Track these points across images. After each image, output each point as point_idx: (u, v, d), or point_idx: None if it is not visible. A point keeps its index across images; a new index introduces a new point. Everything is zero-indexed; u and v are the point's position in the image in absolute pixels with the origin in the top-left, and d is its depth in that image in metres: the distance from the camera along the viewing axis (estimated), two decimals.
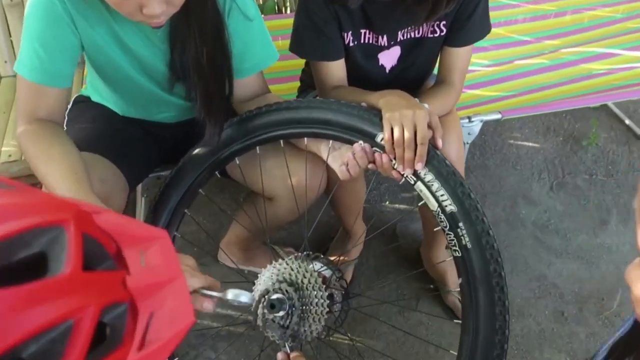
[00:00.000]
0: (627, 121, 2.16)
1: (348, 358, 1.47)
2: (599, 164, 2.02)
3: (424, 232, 1.58)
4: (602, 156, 2.06)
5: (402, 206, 1.87)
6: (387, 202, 1.88)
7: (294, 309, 1.03)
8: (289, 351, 0.97)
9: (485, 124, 1.60)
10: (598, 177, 1.97)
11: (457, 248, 1.04)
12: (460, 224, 1.03)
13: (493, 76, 1.81)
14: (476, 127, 1.49)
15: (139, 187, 1.75)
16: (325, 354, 1.45)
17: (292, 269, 1.08)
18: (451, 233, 1.05)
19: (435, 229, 1.07)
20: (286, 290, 1.03)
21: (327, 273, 1.20)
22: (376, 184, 1.90)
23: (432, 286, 1.61)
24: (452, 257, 1.06)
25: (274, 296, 1.00)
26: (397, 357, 1.46)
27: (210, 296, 0.86)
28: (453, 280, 1.55)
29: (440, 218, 1.06)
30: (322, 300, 1.05)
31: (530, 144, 2.11)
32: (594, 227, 1.81)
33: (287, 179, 1.23)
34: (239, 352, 1.48)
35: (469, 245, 1.02)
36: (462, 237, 1.03)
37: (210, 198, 1.77)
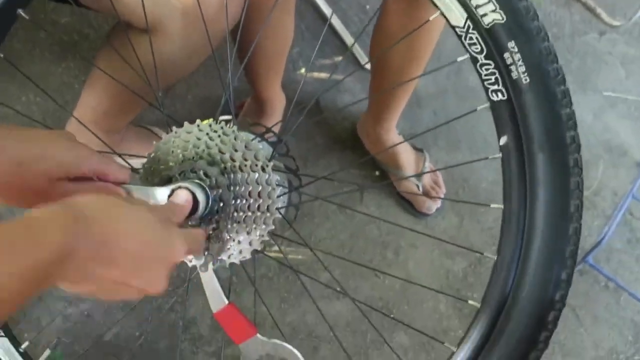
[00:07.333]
0: None
1: (277, 271, 1.04)
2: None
3: (370, 100, 1.15)
4: (545, 19, 1.75)
5: (322, 74, 1.41)
6: (302, 70, 1.40)
7: (221, 205, 0.59)
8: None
9: None
10: None
11: (499, 87, 0.62)
12: (511, 44, 0.60)
13: None
14: None
15: None
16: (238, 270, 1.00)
17: (210, 138, 0.62)
18: (490, 62, 0.62)
19: (459, 59, 0.63)
20: (205, 174, 0.58)
21: (265, 148, 0.74)
22: None
23: (377, 173, 1.20)
24: (478, 109, 0.63)
25: (186, 184, 0.55)
26: (344, 269, 1.06)
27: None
28: (408, 162, 1.16)
29: (471, 39, 0.62)
30: (269, 189, 0.61)
31: None
32: None
33: None
34: None
35: (525, 80, 0.60)
36: (512, 67, 0.61)
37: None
